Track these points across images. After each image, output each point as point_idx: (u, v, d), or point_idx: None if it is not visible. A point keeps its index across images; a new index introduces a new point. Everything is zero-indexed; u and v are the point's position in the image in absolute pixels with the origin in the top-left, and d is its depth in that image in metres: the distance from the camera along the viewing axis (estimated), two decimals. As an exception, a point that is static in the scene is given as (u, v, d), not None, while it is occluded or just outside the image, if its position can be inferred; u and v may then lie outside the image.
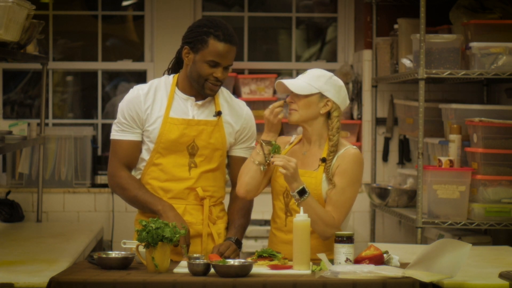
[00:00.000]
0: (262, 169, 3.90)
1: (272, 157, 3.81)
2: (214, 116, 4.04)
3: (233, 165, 4.14)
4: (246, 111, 4.15)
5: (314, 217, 3.75)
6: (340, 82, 3.96)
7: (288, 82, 3.91)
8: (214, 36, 3.92)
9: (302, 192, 3.75)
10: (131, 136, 4.04)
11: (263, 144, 3.89)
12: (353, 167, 3.88)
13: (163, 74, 4.15)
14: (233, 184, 4.14)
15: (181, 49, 4.05)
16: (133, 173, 4.08)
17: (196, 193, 4.03)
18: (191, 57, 3.97)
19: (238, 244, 4.01)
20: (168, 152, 4.01)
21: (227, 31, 3.94)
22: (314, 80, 3.90)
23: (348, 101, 4.02)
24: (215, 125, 4.04)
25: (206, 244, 4.03)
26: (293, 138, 4.10)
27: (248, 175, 3.92)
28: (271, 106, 3.89)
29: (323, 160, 3.88)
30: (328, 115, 3.94)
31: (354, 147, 3.95)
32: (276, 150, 3.85)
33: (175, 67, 4.15)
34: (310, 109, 3.91)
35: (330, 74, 3.95)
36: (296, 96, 3.90)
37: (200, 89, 3.98)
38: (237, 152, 4.14)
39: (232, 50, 3.94)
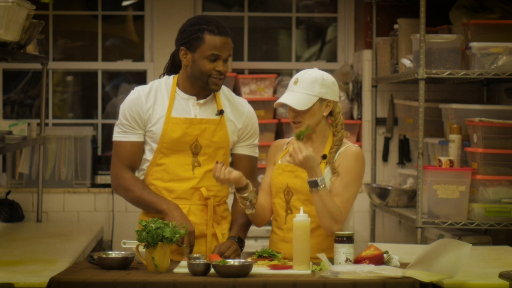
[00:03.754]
0: (248, 212, 3.94)
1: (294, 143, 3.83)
2: (216, 115, 4.04)
3: (237, 163, 4.13)
4: (248, 108, 4.15)
5: (323, 210, 3.79)
6: (331, 78, 3.95)
7: (289, 101, 3.88)
8: (209, 31, 3.93)
9: (313, 184, 3.78)
10: (133, 137, 4.03)
11: (239, 196, 3.89)
12: (356, 164, 3.90)
13: (159, 77, 4.15)
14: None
15: (176, 51, 4.05)
16: (136, 174, 4.07)
17: (200, 193, 4.02)
18: (189, 57, 3.97)
19: (241, 242, 4.01)
20: (171, 151, 4.01)
21: (219, 24, 3.96)
22: (310, 88, 3.89)
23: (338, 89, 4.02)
24: (217, 123, 4.04)
25: (211, 244, 4.02)
26: (290, 139, 4.10)
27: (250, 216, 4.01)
28: (216, 172, 3.81)
29: (324, 157, 3.90)
30: (329, 113, 3.95)
31: (356, 145, 3.96)
32: (299, 136, 3.83)
33: (171, 69, 4.15)
34: (315, 116, 3.92)
35: (320, 74, 3.92)
36: (299, 109, 3.90)
37: (205, 85, 3.98)
38: (241, 150, 4.14)
39: (228, 41, 3.96)
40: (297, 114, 3.90)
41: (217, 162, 3.84)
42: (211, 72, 3.95)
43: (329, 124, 3.99)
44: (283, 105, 3.92)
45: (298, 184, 3.91)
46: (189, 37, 3.95)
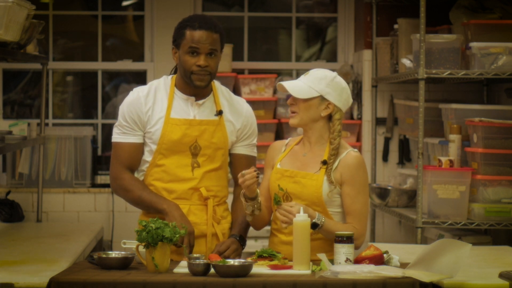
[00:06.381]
0: (248, 219, 3.93)
1: (276, 209, 3.79)
2: (215, 115, 4.04)
3: (235, 163, 4.14)
4: (246, 108, 4.15)
5: None
6: (343, 84, 3.91)
7: (288, 85, 3.88)
8: (190, 27, 3.95)
9: (314, 226, 3.77)
10: (133, 139, 4.03)
11: (244, 201, 3.85)
12: (359, 172, 3.87)
13: (170, 74, 4.16)
14: (236, 183, 4.15)
15: None
16: (136, 175, 4.07)
17: (200, 193, 4.03)
18: (177, 54, 4.00)
19: (242, 241, 4.01)
20: (171, 152, 4.01)
21: (203, 20, 3.97)
22: (315, 83, 3.87)
23: (350, 101, 3.96)
24: (216, 124, 4.04)
25: (211, 244, 4.03)
26: (288, 140, 4.08)
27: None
28: (242, 177, 3.75)
29: (324, 162, 3.87)
30: (329, 117, 3.92)
31: (355, 149, 3.93)
32: (278, 202, 3.79)
33: (176, 70, 4.15)
34: (310, 112, 3.88)
35: (333, 75, 3.90)
36: (297, 99, 3.89)
37: (190, 82, 3.98)
38: (239, 150, 4.14)
39: (209, 36, 3.94)
40: (294, 103, 3.89)
41: (254, 170, 3.76)
42: (193, 68, 3.94)
43: (328, 129, 3.92)
44: (284, 104, 3.92)
45: (297, 190, 3.88)
46: (175, 35, 4.00)
